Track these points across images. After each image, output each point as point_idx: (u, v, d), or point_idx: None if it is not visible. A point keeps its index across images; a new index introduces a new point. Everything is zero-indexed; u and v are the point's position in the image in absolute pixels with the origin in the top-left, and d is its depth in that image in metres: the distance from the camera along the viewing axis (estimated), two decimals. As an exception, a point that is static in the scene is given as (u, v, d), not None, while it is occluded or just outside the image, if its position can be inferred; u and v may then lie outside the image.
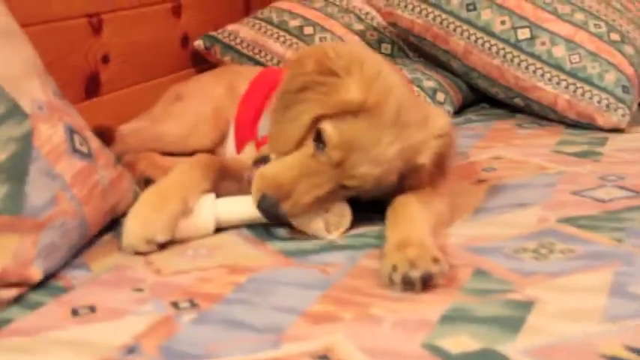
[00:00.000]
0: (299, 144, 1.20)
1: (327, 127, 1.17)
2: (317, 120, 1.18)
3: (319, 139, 1.18)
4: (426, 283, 1.02)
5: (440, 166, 1.26)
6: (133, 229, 1.20)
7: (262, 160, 1.27)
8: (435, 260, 1.04)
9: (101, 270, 1.16)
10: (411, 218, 1.16)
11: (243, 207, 1.29)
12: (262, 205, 1.19)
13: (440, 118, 1.27)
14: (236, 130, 1.64)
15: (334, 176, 1.19)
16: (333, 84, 1.17)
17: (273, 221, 1.20)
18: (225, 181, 1.35)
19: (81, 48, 1.78)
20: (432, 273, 1.02)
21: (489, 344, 0.89)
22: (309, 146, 1.19)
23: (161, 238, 1.21)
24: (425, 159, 1.23)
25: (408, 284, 1.02)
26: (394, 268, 1.04)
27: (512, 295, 1.01)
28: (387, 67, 1.25)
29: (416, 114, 1.22)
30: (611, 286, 1.02)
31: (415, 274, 1.02)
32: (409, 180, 1.24)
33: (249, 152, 1.46)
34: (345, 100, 1.16)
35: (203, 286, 1.08)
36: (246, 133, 1.57)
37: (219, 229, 1.28)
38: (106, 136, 1.56)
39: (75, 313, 1.02)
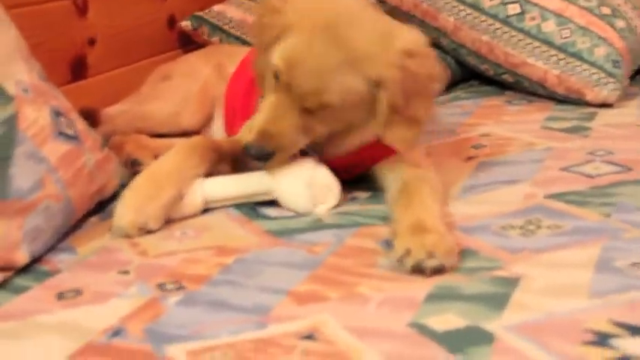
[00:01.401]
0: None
1: (272, 56, 1.21)
2: None
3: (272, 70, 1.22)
4: (436, 273, 1.01)
5: (417, 92, 1.22)
6: (126, 214, 1.19)
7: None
8: (449, 252, 1.03)
9: (87, 253, 1.15)
10: (424, 202, 1.15)
11: (230, 186, 1.29)
12: (250, 152, 1.20)
13: (408, 34, 1.23)
14: (225, 109, 1.63)
15: (293, 101, 1.20)
16: (277, 19, 1.23)
17: (262, 162, 1.22)
18: (221, 163, 1.34)
19: (67, 30, 1.76)
20: (445, 266, 1.01)
21: (475, 321, 0.89)
22: (270, 81, 1.23)
23: (153, 225, 1.21)
24: (387, 74, 1.18)
25: (418, 271, 1.02)
26: (408, 251, 1.02)
27: (498, 272, 1.01)
28: None
29: (367, 28, 1.20)
30: (597, 261, 1.02)
31: (430, 264, 1.01)
32: (383, 107, 1.20)
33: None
34: (278, 26, 1.21)
35: (190, 268, 1.08)
36: (236, 113, 1.56)
37: (206, 209, 1.28)
38: (91, 118, 1.55)
39: (60, 296, 1.01)
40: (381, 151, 1.30)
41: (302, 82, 1.18)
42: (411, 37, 1.23)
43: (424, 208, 1.12)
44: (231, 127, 1.56)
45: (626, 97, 1.86)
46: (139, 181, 1.23)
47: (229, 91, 1.62)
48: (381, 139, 1.25)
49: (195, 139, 1.35)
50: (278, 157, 1.22)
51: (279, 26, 1.22)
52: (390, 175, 1.27)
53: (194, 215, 1.26)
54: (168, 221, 1.24)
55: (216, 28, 2.14)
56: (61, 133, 1.23)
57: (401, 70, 1.19)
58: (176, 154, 1.28)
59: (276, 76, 1.22)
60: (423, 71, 1.22)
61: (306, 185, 1.23)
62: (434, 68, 1.25)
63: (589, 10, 1.90)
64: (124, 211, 1.20)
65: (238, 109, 1.54)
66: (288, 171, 1.26)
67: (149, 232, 1.20)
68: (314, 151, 1.28)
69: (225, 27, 2.13)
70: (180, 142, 1.34)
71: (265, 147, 1.20)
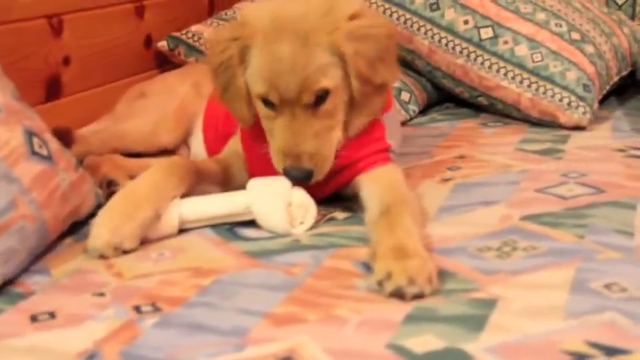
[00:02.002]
0: (253, 108, 1.29)
1: (251, 88, 1.26)
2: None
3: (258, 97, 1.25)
4: (415, 299, 1.01)
5: (379, 56, 1.26)
6: (101, 233, 1.18)
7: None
8: (430, 279, 1.02)
9: (62, 275, 1.14)
10: (406, 225, 1.14)
11: (208, 207, 1.29)
12: (292, 176, 1.23)
13: (346, 3, 1.27)
14: (204, 128, 1.62)
15: (297, 109, 1.22)
16: (231, 48, 1.26)
17: (307, 181, 1.24)
18: (202, 184, 1.33)
19: (41, 50, 1.74)
20: (425, 294, 1.01)
21: (453, 343, 0.89)
22: (262, 109, 1.26)
23: (129, 246, 1.19)
24: (342, 43, 1.22)
25: (397, 296, 1.01)
26: (389, 275, 1.02)
27: (475, 293, 1.01)
28: (265, 2, 1.30)
29: (309, 6, 1.24)
30: (572, 282, 1.03)
31: (410, 290, 1.00)
32: (354, 81, 1.24)
33: (233, 146, 1.45)
34: (236, 54, 1.25)
35: (166, 290, 1.07)
36: (218, 132, 1.55)
37: (183, 230, 1.27)
38: (65, 138, 1.54)
39: (34, 319, 1.00)
40: (362, 153, 1.32)
41: (290, 85, 1.21)
42: (348, 5, 1.27)
43: (406, 232, 1.12)
44: (212, 146, 1.55)
45: (597, 120, 1.89)
46: (115, 201, 1.22)
47: (209, 111, 1.62)
48: (360, 115, 1.29)
49: (174, 159, 1.35)
50: (319, 170, 1.24)
51: (236, 53, 1.25)
52: (371, 196, 1.27)
53: (171, 236, 1.26)
54: (144, 242, 1.23)
55: (192, 49, 2.14)
56: (34, 153, 1.22)
57: (353, 36, 1.23)
58: (155, 174, 1.26)
59: (266, 100, 1.23)
60: (376, 31, 1.27)
61: (284, 205, 1.23)
62: (385, 25, 1.30)
63: (560, 35, 1.94)
64: (100, 231, 1.18)
65: (220, 128, 1.53)
66: (265, 191, 1.26)
67: (125, 252, 1.19)
68: None
69: (202, 47, 2.13)
70: (159, 162, 1.33)
71: (305, 166, 1.22)
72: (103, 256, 1.18)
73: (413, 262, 1.03)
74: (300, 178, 1.23)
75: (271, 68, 1.22)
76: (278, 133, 1.24)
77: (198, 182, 1.31)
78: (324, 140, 1.24)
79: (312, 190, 1.28)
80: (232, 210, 1.28)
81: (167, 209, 1.24)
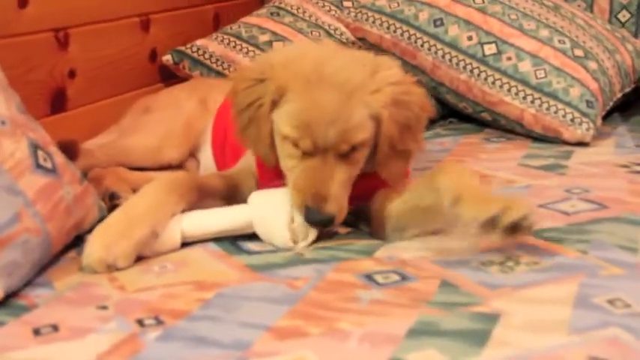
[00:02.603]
0: (274, 148, 1.28)
1: (281, 129, 1.23)
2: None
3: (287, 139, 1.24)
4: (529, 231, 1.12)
5: (409, 125, 1.27)
6: (95, 251, 1.18)
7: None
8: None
9: (65, 288, 1.14)
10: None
11: (209, 222, 1.29)
12: (316, 219, 1.21)
13: (390, 67, 1.29)
14: (213, 143, 1.62)
15: (328, 156, 1.22)
16: (263, 88, 1.24)
17: (326, 227, 1.25)
18: (205, 199, 1.32)
19: (47, 63, 1.76)
20: (535, 223, 1.12)
21: (455, 358, 0.89)
22: (288, 149, 1.24)
23: (122, 264, 1.19)
24: (384, 106, 1.23)
25: (510, 230, 1.11)
26: (505, 209, 1.10)
27: (478, 307, 1.01)
28: (301, 46, 1.34)
29: (354, 63, 1.26)
30: (576, 297, 1.03)
31: (527, 222, 1.11)
32: (382, 142, 1.26)
33: (246, 163, 1.45)
34: (269, 94, 1.23)
35: (169, 303, 1.07)
36: (225, 147, 1.54)
37: (185, 244, 1.27)
38: (70, 151, 1.54)
39: (37, 332, 1.00)
40: (374, 184, 1.32)
41: (329, 135, 1.21)
42: (394, 67, 1.29)
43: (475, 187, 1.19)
44: (222, 160, 1.55)
45: (600, 136, 1.90)
46: (112, 218, 1.22)
47: (217, 126, 1.62)
48: (378, 173, 1.30)
49: (178, 175, 1.34)
50: (339, 217, 1.24)
51: (269, 94, 1.24)
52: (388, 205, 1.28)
53: (173, 251, 1.25)
54: (147, 256, 1.22)
55: (197, 63, 2.15)
56: (39, 166, 1.22)
57: (393, 101, 1.25)
58: (155, 192, 1.26)
59: (296, 144, 1.23)
60: (412, 99, 1.28)
61: (286, 223, 1.23)
62: (421, 95, 1.31)
63: (563, 51, 1.94)
64: (93, 249, 1.18)
65: (228, 143, 1.53)
66: (268, 206, 1.26)
67: (118, 269, 1.18)
68: None
69: (207, 62, 2.15)
70: (162, 178, 1.33)
71: (328, 211, 1.21)
72: (96, 273, 1.17)
73: (509, 203, 1.12)
74: (322, 223, 1.23)
75: (311, 115, 1.21)
76: (304, 174, 1.23)
77: (200, 198, 1.31)
78: (345, 188, 1.25)
79: None
80: (235, 225, 1.27)
81: (168, 225, 1.24)
